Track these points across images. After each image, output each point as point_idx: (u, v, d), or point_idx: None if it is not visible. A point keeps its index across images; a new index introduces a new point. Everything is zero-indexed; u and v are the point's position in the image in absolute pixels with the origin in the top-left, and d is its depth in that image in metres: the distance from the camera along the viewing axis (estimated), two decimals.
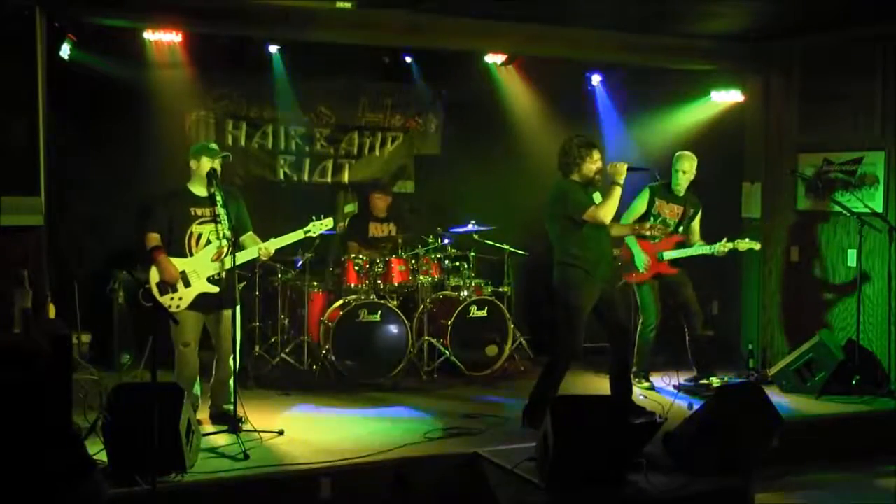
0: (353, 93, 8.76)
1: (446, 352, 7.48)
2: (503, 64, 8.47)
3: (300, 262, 7.45)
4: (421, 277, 7.68)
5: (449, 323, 7.46)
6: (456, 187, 8.83)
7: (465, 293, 7.74)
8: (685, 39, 7.80)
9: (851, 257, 7.55)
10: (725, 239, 7.07)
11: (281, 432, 5.81)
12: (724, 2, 6.83)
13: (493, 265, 8.31)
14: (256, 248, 5.95)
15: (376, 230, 8.04)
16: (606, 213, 6.00)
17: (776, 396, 6.53)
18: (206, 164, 5.91)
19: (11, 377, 4.56)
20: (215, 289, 5.88)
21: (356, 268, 7.47)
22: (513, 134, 8.93)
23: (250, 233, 6.09)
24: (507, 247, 8.13)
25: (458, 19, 7.17)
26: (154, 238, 5.88)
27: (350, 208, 8.75)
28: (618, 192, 6.01)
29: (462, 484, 5.38)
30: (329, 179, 8.77)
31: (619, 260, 7.07)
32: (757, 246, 7.17)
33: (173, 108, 8.01)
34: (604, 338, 6.41)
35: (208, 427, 5.92)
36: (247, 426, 5.75)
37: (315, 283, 7.69)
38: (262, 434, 5.71)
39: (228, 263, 5.79)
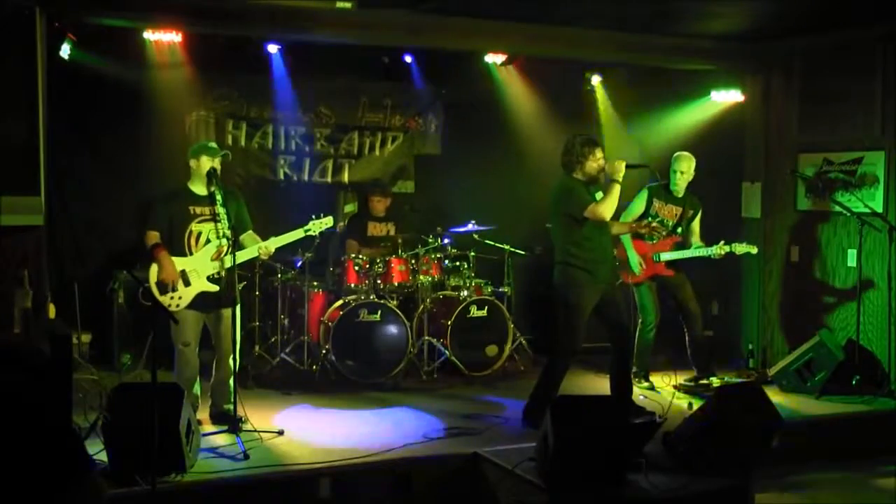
0: (353, 93, 8.76)
1: (446, 352, 7.47)
2: (503, 64, 8.48)
3: (300, 262, 7.44)
4: (421, 277, 7.68)
5: (449, 323, 7.46)
6: (456, 187, 8.83)
7: (465, 293, 7.74)
8: (685, 39, 7.80)
9: (851, 257, 7.55)
10: (722, 242, 7.07)
11: (281, 432, 5.81)
12: (724, 2, 6.83)
13: (493, 265, 8.31)
14: (256, 248, 5.96)
15: (375, 230, 8.04)
16: (606, 209, 6.01)
17: (776, 396, 6.53)
18: (206, 163, 5.91)
19: (11, 377, 4.56)
20: (215, 288, 5.88)
21: (356, 268, 7.47)
22: (513, 134, 8.93)
23: (250, 232, 6.09)
24: (507, 247, 8.13)
25: (458, 19, 7.17)
26: (154, 236, 5.89)
27: (350, 208, 8.74)
28: (617, 189, 6.03)
29: (462, 484, 5.38)
30: (329, 179, 8.77)
31: (618, 260, 7.07)
32: (754, 250, 7.16)
33: (173, 108, 8.01)
34: (604, 338, 6.42)
35: (208, 427, 5.92)
36: (247, 426, 5.75)
37: (315, 283, 7.69)
38: (262, 434, 5.71)
39: (228, 262, 5.79)
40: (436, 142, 9.19)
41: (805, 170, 7.84)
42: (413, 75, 8.66)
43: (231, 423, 5.69)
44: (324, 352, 7.27)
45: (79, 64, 7.02)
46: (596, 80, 8.99)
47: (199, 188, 5.98)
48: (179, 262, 5.85)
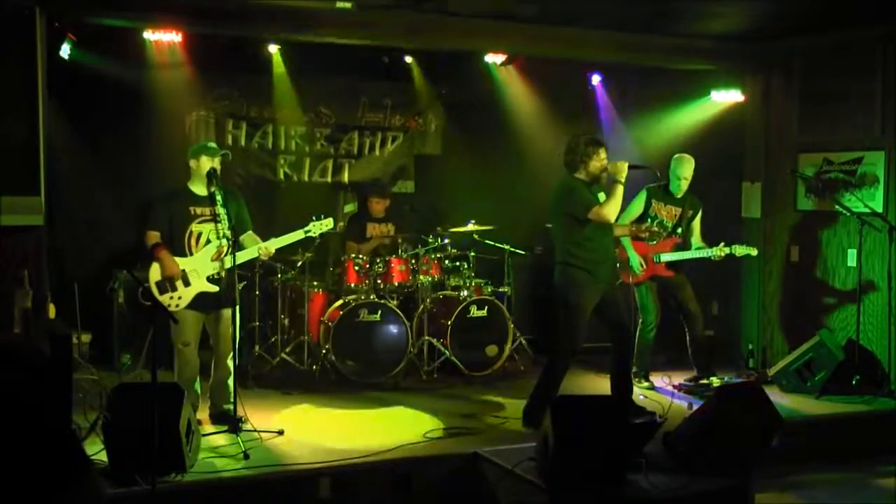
0: (353, 93, 8.76)
1: (446, 352, 7.47)
2: (503, 64, 8.48)
3: (300, 262, 7.44)
4: (421, 277, 7.67)
5: (449, 323, 7.46)
6: (456, 187, 8.83)
7: (465, 293, 7.74)
8: (685, 39, 7.80)
9: (851, 257, 7.55)
10: (723, 243, 7.07)
11: (281, 432, 5.81)
12: (724, 2, 6.83)
13: (493, 265, 8.31)
14: (256, 248, 5.95)
15: (374, 230, 8.04)
16: (610, 211, 6.00)
17: (776, 396, 6.52)
18: (206, 163, 5.91)
19: (11, 377, 4.56)
20: (215, 288, 5.88)
21: (356, 267, 7.47)
22: (513, 134, 8.93)
23: (250, 232, 6.09)
24: (507, 247, 8.13)
25: (458, 19, 7.17)
26: (154, 236, 5.89)
27: (350, 208, 8.75)
28: (621, 190, 6.02)
29: (462, 484, 5.38)
30: (329, 179, 8.78)
31: (619, 260, 7.07)
32: (754, 252, 7.15)
33: (173, 108, 8.01)
34: (604, 337, 6.41)
35: (208, 427, 5.92)
36: (247, 426, 5.75)
37: (315, 283, 7.69)
38: (262, 434, 5.71)
39: (228, 263, 5.79)
40: (436, 142, 9.19)
41: (805, 170, 7.84)
42: (413, 75, 8.66)
43: (231, 423, 5.68)
44: (324, 352, 7.27)
45: (79, 64, 7.02)
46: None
47: (199, 188, 5.98)
48: (179, 263, 5.85)
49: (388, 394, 7.05)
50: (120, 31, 7.00)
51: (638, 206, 7.19)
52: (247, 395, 6.36)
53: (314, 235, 6.22)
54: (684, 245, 7.27)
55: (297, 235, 6.14)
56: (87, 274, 7.61)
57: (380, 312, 7.33)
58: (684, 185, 7.14)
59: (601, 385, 6.98)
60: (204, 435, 5.60)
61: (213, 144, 6.22)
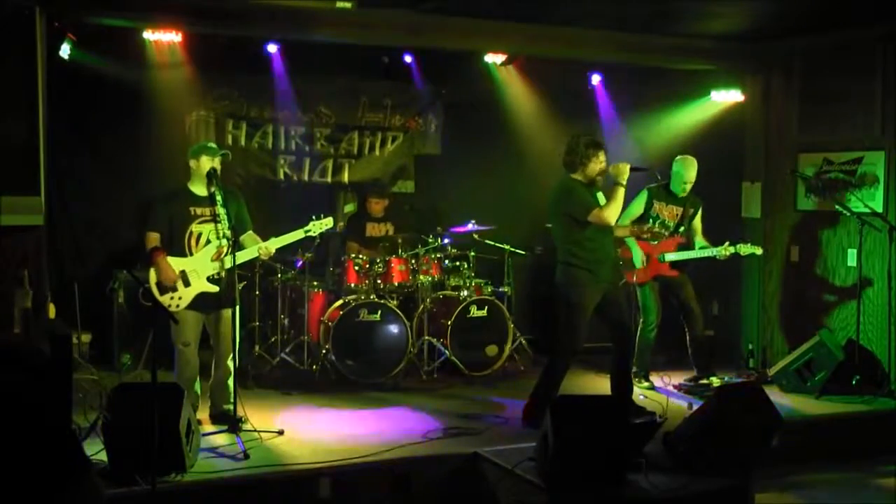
0: (353, 93, 8.75)
1: (446, 352, 7.47)
2: (503, 64, 8.47)
3: (300, 263, 7.44)
4: (421, 277, 7.67)
5: (449, 323, 7.46)
6: (456, 187, 8.83)
7: (465, 293, 7.74)
8: (685, 39, 7.80)
9: (851, 257, 7.55)
10: (728, 243, 7.07)
11: (281, 432, 5.80)
12: (724, 2, 6.83)
13: (493, 265, 8.31)
14: (256, 248, 5.95)
15: (374, 230, 8.04)
16: (611, 214, 6.00)
17: (776, 396, 6.52)
18: (206, 163, 5.91)
19: (11, 377, 4.55)
20: (215, 288, 5.88)
21: (356, 267, 7.47)
22: (513, 134, 8.93)
23: (250, 232, 6.09)
24: (507, 247, 8.13)
25: (458, 19, 7.17)
26: (154, 238, 5.89)
27: (350, 208, 8.75)
28: (622, 192, 6.02)
29: (462, 484, 5.38)
30: (329, 179, 8.77)
31: (621, 259, 7.07)
32: (759, 251, 7.17)
33: (173, 108, 8.00)
34: (603, 337, 6.42)
35: (208, 427, 5.91)
36: (247, 426, 5.75)
37: (315, 283, 7.69)
38: (262, 434, 5.71)
39: (228, 263, 5.79)
40: (436, 142, 9.18)
41: (805, 170, 7.84)
42: (413, 75, 8.66)
43: (231, 423, 5.68)
44: (324, 352, 7.27)
45: (79, 64, 7.02)
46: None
47: (199, 189, 5.98)
48: (179, 263, 5.85)
49: (388, 394, 7.05)
50: (120, 31, 7.00)
51: (638, 207, 7.19)
52: (247, 395, 6.36)
53: (314, 235, 6.22)
54: (688, 244, 7.28)
55: (297, 235, 6.14)
56: (87, 274, 7.62)
57: (380, 312, 7.33)
58: (688, 187, 7.15)
59: (601, 385, 6.98)
60: (204, 435, 5.60)
61: (213, 145, 6.22)
